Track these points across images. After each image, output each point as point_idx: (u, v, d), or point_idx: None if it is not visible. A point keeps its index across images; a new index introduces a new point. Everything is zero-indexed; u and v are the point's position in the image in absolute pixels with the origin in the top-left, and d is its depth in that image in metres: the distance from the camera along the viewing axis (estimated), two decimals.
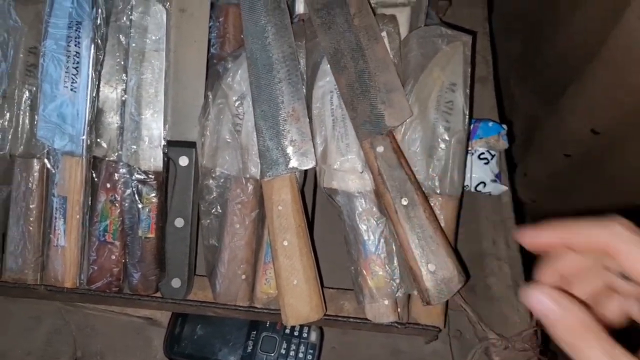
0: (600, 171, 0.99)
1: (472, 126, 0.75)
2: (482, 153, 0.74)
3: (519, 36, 1.22)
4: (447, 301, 0.65)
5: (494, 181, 0.74)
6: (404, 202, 0.58)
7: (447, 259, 0.57)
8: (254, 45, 0.61)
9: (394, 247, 0.60)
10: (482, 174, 0.73)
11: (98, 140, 0.62)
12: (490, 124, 0.75)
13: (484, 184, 0.73)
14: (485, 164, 0.73)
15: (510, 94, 1.26)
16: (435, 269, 0.57)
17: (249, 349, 0.65)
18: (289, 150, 0.60)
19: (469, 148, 0.74)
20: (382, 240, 0.60)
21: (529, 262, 0.75)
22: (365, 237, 0.60)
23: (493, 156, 0.74)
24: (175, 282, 0.62)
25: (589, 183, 1.06)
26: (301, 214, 0.59)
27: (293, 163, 0.60)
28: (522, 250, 0.74)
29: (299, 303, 0.57)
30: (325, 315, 0.60)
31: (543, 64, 1.11)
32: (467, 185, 0.73)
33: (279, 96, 0.60)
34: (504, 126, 0.76)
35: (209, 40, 0.63)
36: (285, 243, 0.58)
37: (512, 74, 1.25)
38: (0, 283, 0.63)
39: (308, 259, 0.58)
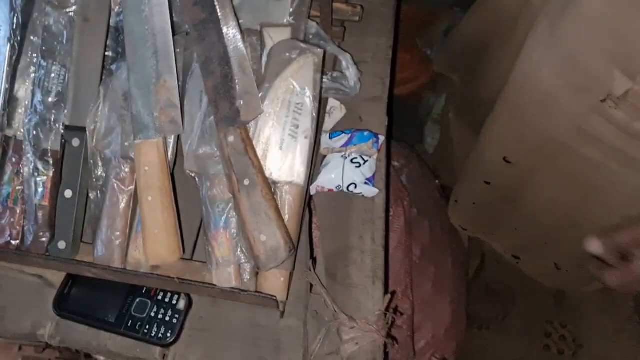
0: (517, 200, 1.06)
1: (350, 135, 0.85)
2: (355, 158, 0.83)
3: (459, 72, 1.32)
4: (290, 280, 0.74)
5: (366, 184, 0.83)
6: (246, 182, 0.68)
7: (277, 231, 0.67)
8: (132, 17, 0.72)
9: (239, 224, 0.70)
10: (353, 176, 0.82)
11: (10, 122, 0.75)
12: (366, 133, 0.85)
13: (355, 185, 0.82)
14: (357, 167, 0.83)
15: (447, 123, 1.35)
16: (265, 239, 0.67)
17: (124, 310, 0.75)
18: (159, 116, 0.71)
19: (344, 153, 0.84)
20: (228, 217, 0.70)
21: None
22: (215, 213, 0.70)
23: (366, 161, 0.83)
24: (61, 244, 0.73)
25: (508, 212, 1.12)
26: (166, 175, 0.70)
27: (161, 128, 0.71)
28: (386, 247, 0.83)
29: (159, 248, 0.68)
30: (180, 279, 0.70)
31: (474, 98, 1.20)
32: (340, 186, 0.83)
33: (153, 67, 0.71)
34: (380, 136, 0.86)
35: (106, 45, 0.76)
36: (150, 198, 0.69)
37: (451, 106, 1.35)
38: None
39: (169, 213, 0.69)
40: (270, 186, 0.69)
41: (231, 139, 0.69)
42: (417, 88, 1.76)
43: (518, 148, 0.94)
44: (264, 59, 0.75)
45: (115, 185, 0.72)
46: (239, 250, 0.69)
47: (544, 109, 0.82)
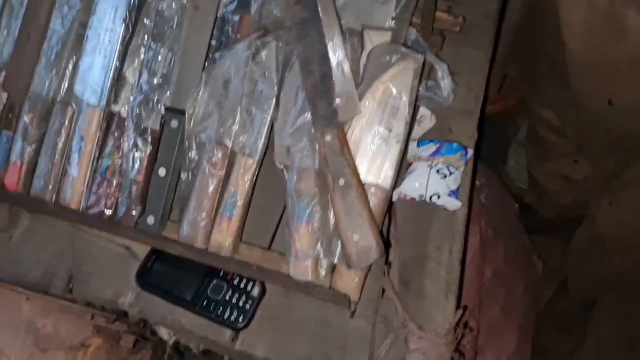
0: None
1: (438, 145, 0.85)
2: (442, 168, 0.82)
3: None
4: (365, 281, 0.74)
5: (450, 196, 0.82)
6: (341, 182, 0.69)
7: (370, 232, 0.68)
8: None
9: (321, 220, 0.71)
10: (438, 187, 0.82)
11: (116, 99, 0.79)
12: (455, 145, 0.84)
13: (439, 196, 0.82)
14: (443, 178, 0.82)
15: None
16: (358, 239, 0.68)
17: (201, 290, 0.78)
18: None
19: (430, 162, 0.83)
20: (312, 211, 0.71)
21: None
22: (299, 207, 0.71)
23: (452, 173, 0.82)
24: (150, 220, 0.77)
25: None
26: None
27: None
28: (463, 262, 0.82)
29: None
30: (257, 267, 0.72)
31: None
32: (423, 195, 0.82)
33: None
34: (469, 149, 0.85)
35: (223, 36, 0.79)
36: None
37: None
38: (25, 197, 0.81)
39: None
40: (365, 188, 0.70)
41: (328, 138, 0.70)
42: (505, 108, 1.72)
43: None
44: (363, 60, 0.76)
45: (207, 168, 0.75)
46: (319, 245, 0.70)
47: None
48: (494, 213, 1.29)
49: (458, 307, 0.78)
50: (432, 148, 0.84)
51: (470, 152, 0.85)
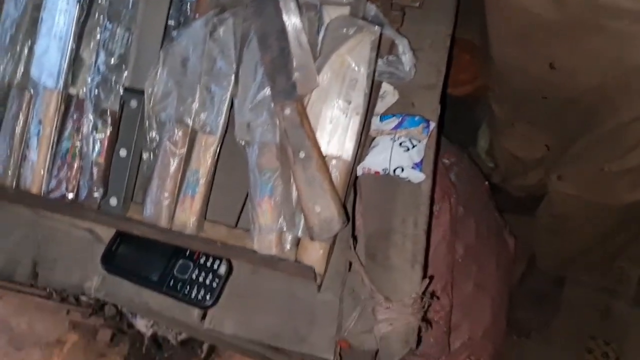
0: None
1: (400, 118, 0.85)
2: (404, 141, 0.83)
3: None
4: (330, 254, 0.75)
5: (413, 168, 0.83)
6: (301, 155, 0.69)
7: (331, 203, 0.68)
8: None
9: (283, 193, 0.71)
10: (401, 159, 0.82)
11: (74, 80, 0.78)
12: (417, 118, 0.85)
13: (402, 168, 0.82)
14: (405, 151, 0.83)
15: None
16: (320, 210, 0.68)
17: (167, 270, 0.77)
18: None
19: (393, 136, 0.84)
20: (274, 185, 0.71)
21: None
22: (261, 181, 0.71)
23: (414, 146, 0.83)
24: (113, 201, 0.76)
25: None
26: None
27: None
28: (428, 233, 0.82)
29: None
30: (222, 243, 0.72)
31: None
32: (387, 168, 0.83)
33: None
34: (431, 122, 0.85)
35: (169, 12, 0.79)
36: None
37: None
38: None
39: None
40: (325, 160, 0.70)
41: (288, 111, 0.70)
42: (475, 90, 1.74)
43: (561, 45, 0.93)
44: (321, 34, 0.76)
45: (168, 147, 0.75)
46: (281, 218, 0.70)
47: None
48: (463, 191, 1.31)
49: (424, 277, 0.79)
50: (394, 122, 0.85)
51: (432, 124, 0.86)
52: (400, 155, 0.82)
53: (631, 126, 0.99)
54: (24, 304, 1.70)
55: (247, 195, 0.81)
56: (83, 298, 1.65)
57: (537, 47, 0.97)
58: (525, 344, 1.59)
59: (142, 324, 1.61)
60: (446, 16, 1.00)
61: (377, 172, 0.83)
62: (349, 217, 0.71)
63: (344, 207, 0.70)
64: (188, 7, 0.81)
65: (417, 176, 0.83)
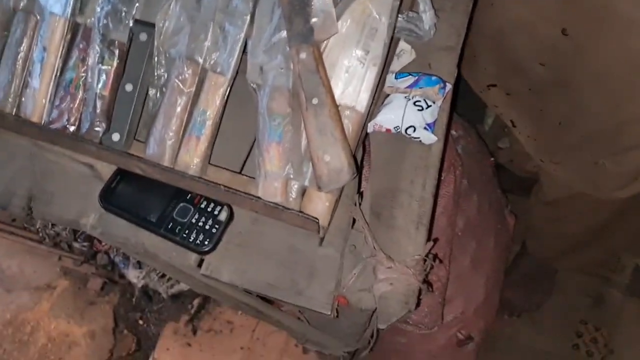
0: (569, 81, 1.01)
1: (416, 77, 0.83)
2: (419, 100, 0.81)
3: None
4: (335, 206, 0.73)
5: (425, 129, 0.80)
6: (314, 101, 0.67)
7: (342, 153, 0.66)
8: None
9: (293, 140, 0.69)
10: (414, 118, 0.80)
11: (82, 8, 0.75)
12: (433, 77, 0.82)
13: (414, 128, 0.80)
14: (419, 110, 0.80)
15: None
16: (329, 159, 0.66)
17: (167, 212, 0.75)
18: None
19: (407, 94, 0.81)
20: (284, 131, 0.69)
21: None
22: (270, 126, 0.69)
23: (429, 106, 0.81)
24: (115, 136, 0.74)
25: (557, 99, 1.07)
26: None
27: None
28: (435, 196, 0.80)
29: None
30: (226, 187, 0.70)
31: None
32: (399, 127, 0.80)
33: None
34: (447, 83, 0.83)
35: None
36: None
37: None
38: None
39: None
40: (338, 107, 0.68)
41: (303, 55, 0.67)
42: None
43: (579, 16, 0.90)
44: None
45: (176, 85, 0.72)
46: (289, 166, 0.68)
47: None
48: (469, 164, 1.29)
49: (428, 240, 0.77)
50: (409, 80, 0.82)
51: (449, 85, 0.83)
52: (414, 114, 0.80)
53: (631, 127, 0.96)
54: (15, 247, 1.69)
55: (253, 143, 0.79)
56: (76, 245, 1.64)
57: (553, 11, 0.93)
58: (516, 324, 1.59)
59: (133, 275, 1.60)
60: None
61: (388, 130, 0.81)
62: (359, 169, 0.69)
63: (354, 158, 0.67)
64: None
65: (429, 137, 0.81)
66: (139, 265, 1.54)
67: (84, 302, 1.69)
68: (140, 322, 1.68)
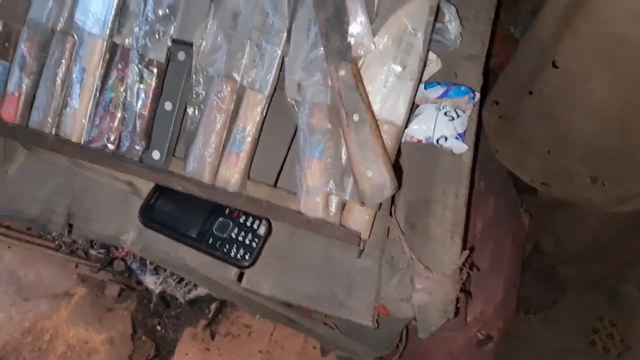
0: (558, 109, 1.01)
1: (446, 87, 0.84)
2: (449, 111, 0.82)
3: None
4: (375, 219, 0.74)
5: (457, 139, 0.82)
6: (355, 118, 0.68)
7: (383, 168, 0.68)
8: None
9: (333, 155, 0.70)
10: (445, 129, 0.81)
11: (120, 29, 0.76)
12: (463, 88, 0.83)
13: (446, 138, 0.81)
14: (450, 120, 0.82)
15: None
16: (372, 175, 0.67)
17: (206, 227, 0.77)
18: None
19: (438, 104, 0.83)
20: (325, 147, 0.70)
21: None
22: (313, 142, 0.70)
23: (459, 116, 0.82)
24: (155, 154, 0.75)
25: (546, 127, 1.08)
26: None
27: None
28: (468, 204, 0.82)
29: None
30: (267, 203, 0.71)
31: None
32: (430, 137, 0.82)
33: None
34: (477, 93, 0.84)
35: None
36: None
37: None
38: (23, 129, 0.78)
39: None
40: (377, 123, 0.69)
41: (342, 73, 0.69)
42: (495, 66, 1.72)
43: (571, 50, 0.91)
44: None
45: (215, 102, 0.73)
46: (330, 181, 0.70)
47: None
48: (484, 166, 1.30)
49: (464, 248, 0.78)
50: (439, 90, 0.84)
51: (478, 95, 0.85)
52: (445, 124, 0.81)
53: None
54: (33, 255, 1.70)
55: (285, 156, 0.80)
56: (92, 252, 1.65)
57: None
58: (532, 321, 1.60)
59: (150, 281, 1.61)
60: None
61: (419, 140, 0.83)
62: (399, 182, 0.70)
63: (394, 172, 0.69)
64: None
65: (460, 147, 0.82)
66: (156, 271, 1.55)
67: (101, 309, 1.70)
68: (159, 327, 1.70)
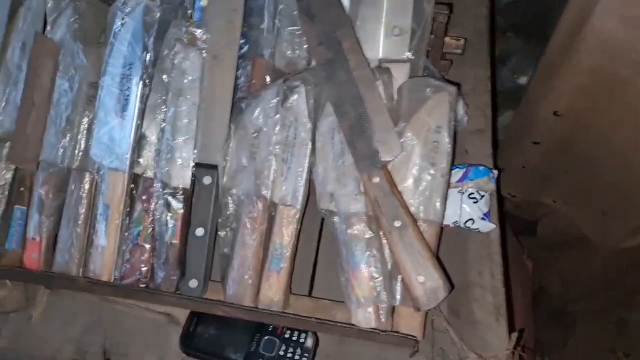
0: (568, 152, 1.04)
1: (465, 170, 0.85)
2: (472, 193, 0.83)
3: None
4: (426, 319, 0.73)
5: (483, 219, 0.82)
6: (397, 224, 0.68)
7: (434, 271, 0.67)
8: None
9: (380, 263, 0.69)
10: (471, 211, 0.82)
11: (139, 160, 0.75)
12: (481, 168, 0.84)
13: (473, 220, 0.82)
14: (475, 202, 0.82)
15: None
16: (424, 280, 0.67)
17: (253, 348, 0.74)
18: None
19: (461, 188, 0.83)
20: (369, 256, 0.69)
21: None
22: (356, 252, 0.70)
23: (482, 197, 0.83)
24: (193, 283, 0.73)
25: (558, 165, 1.11)
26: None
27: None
28: (506, 282, 0.82)
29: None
30: (317, 319, 0.70)
31: None
32: (457, 222, 0.82)
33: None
34: (494, 171, 0.85)
35: (236, 83, 0.76)
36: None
37: None
38: (50, 275, 0.75)
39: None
40: (419, 226, 0.69)
41: (376, 180, 0.69)
42: None
43: (570, 97, 0.93)
44: (394, 96, 0.75)
45: (248, 223, 0.72)
46: (379, 288, 0.69)
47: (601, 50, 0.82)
48: None
49: (512, 329, 0.78)
50: (459, 173, 0.84)
51: (496, 173, 0.86)
52: (470, 207, 0.82)
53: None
54: None
55: (315, 261, 0.80)
56: None
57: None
58: None
59: None
60: (483, 59, 1.01)
61: (446, 226, 0.83)
62: (453, 284, 0.70)
63: (445, 273, 0.69)
64: (243, 74, 0.79)
65: (487, 226, 0.83)
66: None
67: None
68: None
